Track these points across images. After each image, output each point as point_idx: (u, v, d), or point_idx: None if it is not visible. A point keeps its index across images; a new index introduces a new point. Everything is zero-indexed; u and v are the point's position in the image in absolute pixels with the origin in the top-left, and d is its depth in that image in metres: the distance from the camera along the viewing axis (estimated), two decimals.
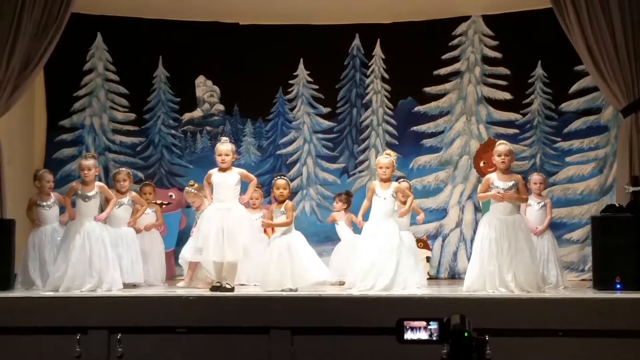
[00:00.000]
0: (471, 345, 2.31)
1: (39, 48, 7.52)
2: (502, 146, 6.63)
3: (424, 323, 2.43)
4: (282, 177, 7.06)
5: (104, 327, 5.93)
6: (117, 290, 6.86)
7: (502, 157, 6.53)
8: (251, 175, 6.93)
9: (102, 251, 6.71)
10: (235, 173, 6.78)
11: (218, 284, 6.63)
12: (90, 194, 6.79)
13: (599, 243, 6.87)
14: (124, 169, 7.68)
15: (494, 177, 6.57)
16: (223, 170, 6.74)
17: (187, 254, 7.25)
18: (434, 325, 2.44)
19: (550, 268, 7.30)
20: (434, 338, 2.46)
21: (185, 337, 5.94)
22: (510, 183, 6.50)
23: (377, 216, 6.70)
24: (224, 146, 6.79)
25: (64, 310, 6.05)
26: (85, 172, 6.80)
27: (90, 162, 6.85)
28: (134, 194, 7.54)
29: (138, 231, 7.60)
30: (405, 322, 2.43)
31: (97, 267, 6.62)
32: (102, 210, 7.04)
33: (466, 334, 2.32)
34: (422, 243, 8.87)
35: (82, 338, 5.90)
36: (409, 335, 2.47)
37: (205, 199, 7.01)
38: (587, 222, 8.62)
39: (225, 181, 6.72)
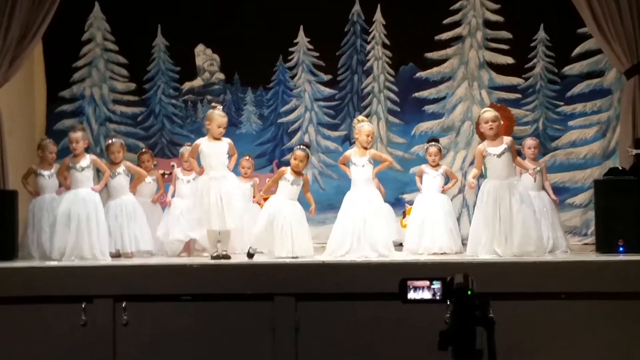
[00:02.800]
0: (474, 304, 2.32)
1: (36, 18, 7.49)
2: (487, 113, 6.58)
3: (427, 282, 2.43)
4: (304, 148, 6.97)
5: (109, 295, 5.97)
6: (123, 259, 6.93)
7: (490, 123, 6.50)
8: (235, 149, 6.84)
9: (101, 218, 6.74)
10: (225, 142, 6.74)
11: (217, 253, 6.63)
12: (83, 164, 6.81)
13: (601, 206, 6.86)
14: (116, 139, 7.58)
15: (485, 146, 6.55)
16: (213, 139, 6.71)
17: (180, 234, 7.20)
18: (437, 285, 2.45)
19: (543, 231, 7.24)
20: (437, 297, 2.46)
21: (189, 304, 5.98)
22: (502, 147, 6.47)
23: (358, 184, 6.72)
24: (225, 118, 6.77)
25: (69, 279, 6.09)
26: (74, 145, 6.84)
27: (78, 134, 6.88)
28: (127, 163, 7.49)
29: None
30: (409, 282, 2.43)
31: (96, 234, 6.65)
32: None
33: (469, 292, 2.32)
34: None
35: (87, 307, 5.94)
36: (412, 295, 2.47)
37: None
38: (589, 186, 8.62)
39: (218, 149, 6.67)
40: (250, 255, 6.68)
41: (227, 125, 6.80)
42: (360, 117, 7.06)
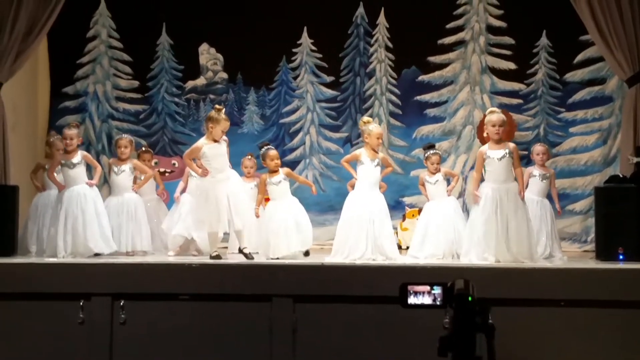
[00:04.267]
0: (475, 310, 2.32)
1: (43, 14, 7.52)
2: (494, 116, 6.49)
3: (427, 287, 2.43)
4: (271, 147, 7.13)
5: (107, 293, 5.97)
6: (121, 257, 6.94)
7: (497, 127, 6.45)
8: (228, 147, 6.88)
9: (95, 214, 6.76)
10: (223, 142, 6.73)
11: (217, 253, 6.62)
12: (74, 161, 6.85)
13: (601, 214, 6.86)
14: (126, 135, 7.65)
15: (486, 149, 6.52)
16: (213, 140, 6.67)
17: (183, 230, 7.20)
18: (437, 290, 2.45)
19: (540, 237, 7.22)
20: (438, 303, 2.46)
21: (187, 304, 5.98)
22: (503, 152, 6.45)
23: (365, 184, 6.72)
24: (229, 122, 6.78)
25: (67, 277, 6.09)
26: (68, 141, 6.87)
27: (73, 131, 6.91)
28: (135, 161, 7.50)
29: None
30: (409, 287, 2.43)
31: (94, 230, 6.66)
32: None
33: (470, 299, 2.32)
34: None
35: (85, 304, 5.95)
36: (412, 300, 2.47)
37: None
38: (590, 193, 8.62)
39: (219, 151, 6.66)
40: (307, 253, 6.76)
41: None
42: (366, 119, 7.01)
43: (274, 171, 6.95)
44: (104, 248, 6.76)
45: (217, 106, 6.86)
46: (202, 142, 6.71)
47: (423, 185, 7.47)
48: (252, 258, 6.55)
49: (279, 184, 6.92)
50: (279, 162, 7.00)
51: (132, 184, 7.42)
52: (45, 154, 7.65)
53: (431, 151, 7.43)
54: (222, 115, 6.68)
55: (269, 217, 6.88)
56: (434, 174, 7.38)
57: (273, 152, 7.01)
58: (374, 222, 6.59)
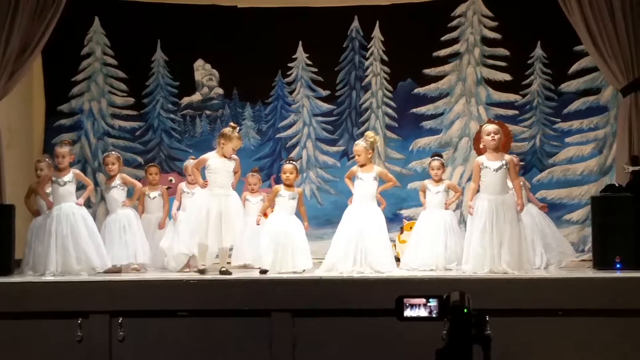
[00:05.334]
0: (470, 322, 2.32)
1: (36, 31, 7.53)
2: (489, 125, 6.63)
3: (423, 300, 2.43)
4: (290, 161, 7.16)
5: (105, 311, 5.94)
6: (119, 274, 6.92)
7: (492, 135, 6.48)
8: (240, 167, 6.90)
9: (86, 231, 6.73)
10: (232, 161, 6.75)
11: (204, 267, 6.64)
12: (65, 179, 6.82)
13: (598, 223, 6.88)
14: (113, 152, 7.60)
15: (483, 159, 6.53)
16: (222, 156, 6.71)
17: (185, 248, 7.18)
18: (433, 303, 2.45)
19: (536, 248, 7.22)
20: (434, 315, 2.46)
21: (186, 320, 5.95)
22: (500, 163, 6.46)
23: (358, 198, 6.75)
24: (241, 141, 6.83)
25: (65, 295, 6.06)
26: (59, 159, 6.84)
27: (64, 149, 6.88)
28: (123, 175, 7.45)
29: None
30: (405, 300, 2.43)
31: (84, 248, 6.65)
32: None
33: (465, 310, 2.32)
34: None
35: (83, 322, 5.92)
36: (408, 313, 2.47)
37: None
38: (586, 202, 8.63)
39: (225, 167, 6.69)
40: (263, 271, 6.67)
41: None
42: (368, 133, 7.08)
43: (289, 185, 6.95)
44: (98, 264, 6.73)
45: (232, 124, 6.92)
46: (211, 154, 6.77)
47: (424, 191, 7.47)
48: (230, 274, 6.54)
49: (290, 199, 6.91)
50: (290, 176, 6.94)
51: (124, 198, 7.40)
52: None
53: (434, 157, 7.48)
54: (236, 133, 6.73)
55: (274, 228, 6.82)
56: (437, 182, 7.38)
57: (285, 166, 7.05)
58: (364, 235, 6.60)
